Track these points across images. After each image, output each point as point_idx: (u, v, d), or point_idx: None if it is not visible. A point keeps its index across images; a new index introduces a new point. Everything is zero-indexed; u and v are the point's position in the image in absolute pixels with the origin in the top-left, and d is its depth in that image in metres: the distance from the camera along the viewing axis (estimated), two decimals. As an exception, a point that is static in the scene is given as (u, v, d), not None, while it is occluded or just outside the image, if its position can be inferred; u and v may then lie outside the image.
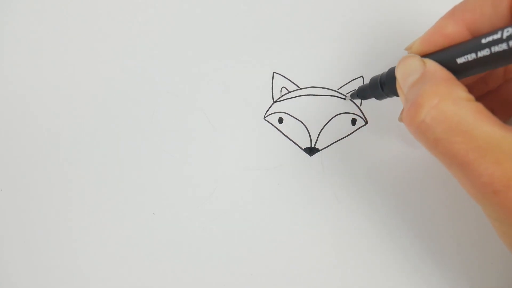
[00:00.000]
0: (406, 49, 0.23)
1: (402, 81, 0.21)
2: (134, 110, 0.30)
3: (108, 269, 0.28)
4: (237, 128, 0.29)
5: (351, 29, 0.30)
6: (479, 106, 0.18)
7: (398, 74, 0.22)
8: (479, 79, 0.26)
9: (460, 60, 0.20)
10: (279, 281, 0.28)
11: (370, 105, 0.29)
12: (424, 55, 0.22)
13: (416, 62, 0.21)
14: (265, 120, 0.29)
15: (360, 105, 0.29)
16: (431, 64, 0.20)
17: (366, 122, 0.29)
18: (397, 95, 0.23)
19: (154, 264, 0.28)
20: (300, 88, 0.29)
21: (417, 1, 0.29)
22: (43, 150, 0.29)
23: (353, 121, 0.29)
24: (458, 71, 0.20)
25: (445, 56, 0.21)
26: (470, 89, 0.20)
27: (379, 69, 0.25)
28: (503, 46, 0.18)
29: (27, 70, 0.30)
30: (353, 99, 0.29)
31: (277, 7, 0.30)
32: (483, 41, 0.18)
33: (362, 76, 0.29)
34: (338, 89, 0.29)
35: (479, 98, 0.26)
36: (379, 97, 0.26)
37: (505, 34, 0.17)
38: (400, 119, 0.26)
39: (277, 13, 0.30)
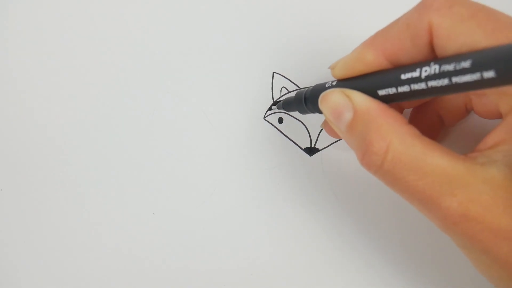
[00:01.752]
0: (330, 67, 0.22)
1: (336, 122, 0.21)
2: (134, 110, 0.30)
3: (108, 269, 0.28)
4: (237, 128, 0.29)
5: (351, 28, 0.30)
6: (425, 140, 0.18)
7: (325, 112, 0.21)
8: None
9: (381, 92, 0.19)
10: (279, 281, 0.28)
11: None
12: (347, 79, 0.21)
13: (341, 99, 0.20)
14: (265, 120, 0.29)
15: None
16: (360, 100, 0.20)
17: (366, 122, 0.29)
18: (321, 113, 0.22)
19: (153, 264, 0.28)
20: (300, 88, 0.29)
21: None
22: (43, 150, 0.29)
23: (353, 121, 0.29)
24: (381, 100, 0.19)
25: (366, 85, 0.20)
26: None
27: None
28: (422, 86, 0.17)
29: (27, 70, 0.30)
30: (279, 109, 0.28)
31: (277, 6, 0.30)
32: (403, 77, 0.18)
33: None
34: (338, 89, 0.29)
35: (425, 104, 0.26)
36: (303, 112, 0.25)
37: (424, 74, 0.17)
38: (323, 126, 0.26)
39: (277, 13, 0.30)
